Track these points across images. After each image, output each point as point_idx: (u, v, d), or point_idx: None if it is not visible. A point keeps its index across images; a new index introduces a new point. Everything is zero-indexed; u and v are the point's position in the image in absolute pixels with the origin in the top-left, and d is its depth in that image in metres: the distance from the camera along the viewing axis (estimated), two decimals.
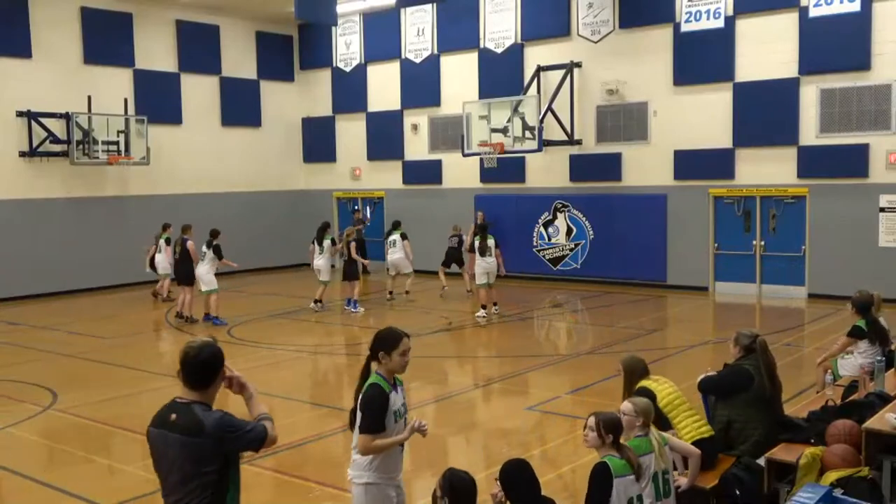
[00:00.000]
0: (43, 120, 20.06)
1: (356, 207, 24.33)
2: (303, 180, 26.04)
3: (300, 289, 19.76)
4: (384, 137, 24.00)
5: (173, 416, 3.84)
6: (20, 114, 19.81)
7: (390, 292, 18.31)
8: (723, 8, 18.09)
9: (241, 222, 22.89)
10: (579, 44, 20.18)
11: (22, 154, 19.91)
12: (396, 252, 18.33)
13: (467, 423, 9.94)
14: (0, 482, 8.03)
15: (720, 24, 18.15)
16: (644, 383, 6.31)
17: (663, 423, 5.98)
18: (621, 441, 5.04)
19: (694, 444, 5.86)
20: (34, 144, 20.02)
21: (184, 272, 16.37)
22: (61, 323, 16.61)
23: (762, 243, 18.21)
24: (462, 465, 4.88)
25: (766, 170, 17.84)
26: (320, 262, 17.56)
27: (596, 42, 19.93)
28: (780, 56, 17.39)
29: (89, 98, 20.64)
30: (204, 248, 16.21)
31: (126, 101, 21.55)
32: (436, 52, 22.76)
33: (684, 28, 18.64)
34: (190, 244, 16.34)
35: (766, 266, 18.25)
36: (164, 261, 18.27)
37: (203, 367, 3.91)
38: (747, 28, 17.89)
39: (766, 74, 17.60)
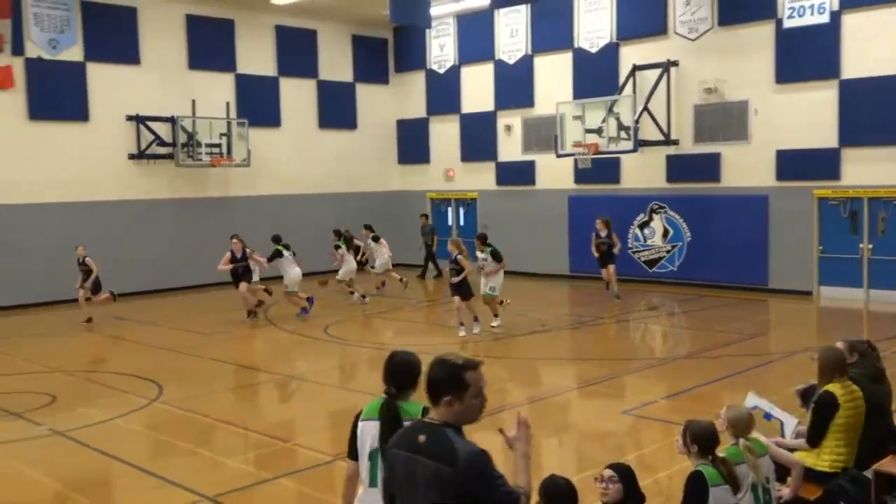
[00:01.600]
0: (150, 124, 20.90)
1: (425, 213, 24.26)
2: (397, 181, 26.33)
3: (395, 289, 19.98)
4: (477, 139, 24.06)
5: (422, 437, 3.46)
6: (130, 118, 20.69)
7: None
8: (828, 3, 17.44)
9: (336, 223, 23.23)
10: (676, 42, 19.79)
11: (131, 156, 20.78)
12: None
13: (561, 425, 9.87)
14: (109, 470, 8.39)
15: (825, 19, 17.50)
16: (832, 387, 5.87)
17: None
18: (717, 451, 4.89)
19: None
20: (142, 147, 20.88)
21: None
22: (166, 318, 17.24)
23: (870, 246, 17.47)
24: (554, 468, 4.85)
25: (875, 170, 17.11)
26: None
27: (693, 40, 19.49)
28: (890, 52, 16.66)
29: (193, 102, 21.37)
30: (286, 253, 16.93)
31: (228, 104, 22.25)
32: (529, 52, 22.68)
33: (787, 24, 18.05)
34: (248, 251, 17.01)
35: (873, 270, 17.50)
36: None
37: (432, 384, 3.52)
38: (854, 23, 17.19)
39: (874, 71, 16.87)
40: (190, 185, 21.81)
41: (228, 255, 16.84)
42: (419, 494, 3.41)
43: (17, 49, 18.94)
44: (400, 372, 4.38)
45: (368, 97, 25.74)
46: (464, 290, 14.35)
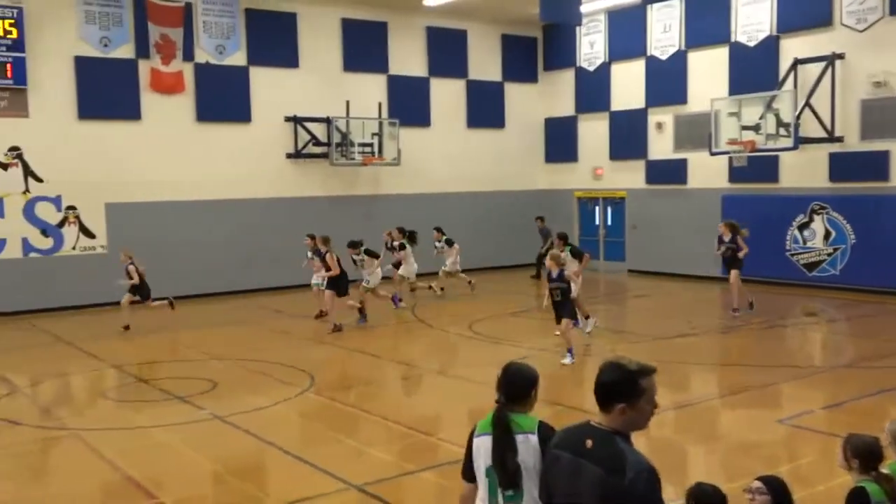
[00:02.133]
0: (307, 124, 21.75)
1: (540, 216, 23.54)
2: (544, 180, 26.23)
3: (542, 286, 19.90)
4: (627, 136, 23.62)
5: (589, 442, 3.35)
6: (288, 119, 21.60)
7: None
8: None
9: (484, 221, 23.49)
10: (842, 34, 18.71)
11: (288, 155, 21.70)
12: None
13: (710, 433, 9.55)
14: (263, 454, 8.79)
15: None
16: None
17: None
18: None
19: None
20: (299, 147, 21.75)
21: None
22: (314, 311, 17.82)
23: None
24: (702, 476, 4.70)
25: None
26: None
27: (861, 31, 18.38)
28: None
29: (347, 103, 22.05)
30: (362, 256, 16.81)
31: (380, 105, 22.82)
32: (683, 47, 22.06)
33: None
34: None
35: None
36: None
37: (606, 389, 3.38)
38: None
39: None
40: (342, 184, 22.53)
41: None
42: (581, 499, 3.32)
43: (188, 55, 20.17)
44: (512, 383, 4.31)
45: (517, 96, 25.77)
46: (569, 310, 12.58)
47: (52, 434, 9.69)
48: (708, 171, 21.32)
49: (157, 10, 19.58)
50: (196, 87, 20.40)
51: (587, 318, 14.51)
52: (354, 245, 16.71)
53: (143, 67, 19.69)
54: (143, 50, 19.61)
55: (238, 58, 20.99)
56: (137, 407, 10.81)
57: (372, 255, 16.99)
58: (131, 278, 16.00)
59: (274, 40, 21.39)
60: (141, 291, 16.10)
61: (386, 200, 23.09)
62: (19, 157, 18.46)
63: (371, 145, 22.36)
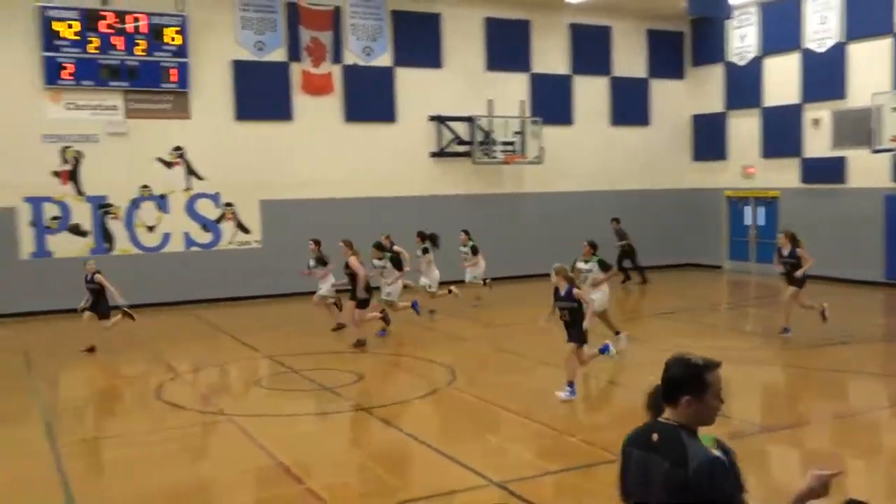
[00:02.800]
0: (450, 123, 22.04)
1: (615, 217, 22.43)
2: (691, 178, 25.50)
3: (687, 288, 19.38)
4: (780, 133, 22.63)
5: (655, 436, 3.45)
6: (432, 118, 21.96)
7: None
8: None
9: (627, 220, 23.05)
10: None
11: (432, 154, 22.05)
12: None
13: (871, 446, 9.03)
14: (406, 447, 8.99)
15: None
16: None
17: None
18: None
19: None
20: (442, 146, 22.07)
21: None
22: (460, 309, 18.00)
23: None
24: (860, 493, 4.47)
25: None
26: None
27: None
28: None
29: (490, 102, 22.18)
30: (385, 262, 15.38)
31: (522, 103, 22.83)
32: (842, 40, 20.92)
33: None
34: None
35: None
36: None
37: (672, 383, 3.47)
38: None
39: None
40: (484, 182, 22.68)
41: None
42: (652, 493, 3.40)
43: (337, 57, 20.85)
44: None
45: (662, 92, 25.18)
46: (577, 334, 10.53)
47: (211, 419, 10.25)
48: (869, 170, 20.14)
49: (309, 14, 20.33)
50: (344, 89, 21.05)
51: (617, 333, 13.02)
52: (381, 248, 15.43)
53: (295, 70, 20.50)
54: (294, 53, 20.42)
55: (384, 59, 21.51)
56: (288, 396, 11.27)
57: (397, 263, 15.47)
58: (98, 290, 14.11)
59: (418, 41, 21.79)
60: (103, 307, 14.18)
61: (528, 199, 23.10)
62: (182, 156, 19.62)
63: (513, 144, 22.42)
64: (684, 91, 25.51)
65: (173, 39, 19.04)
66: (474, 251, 18.50)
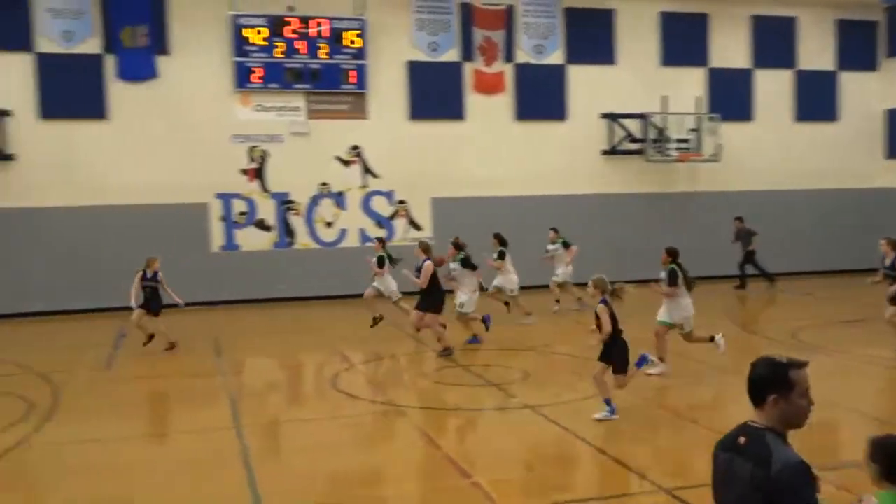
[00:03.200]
0: (622, 121, 21.67)
1: (739, 216, 20.93)
2: (884, 178, 23.82)
3: (871, 295, 18.16)
4: None
5: (742, 439, 3.48)
6: (604, 116, 21.68)
7: None
8: None
9: (809, 221, 21.90)
10: None
11: (603, 152, 21.77)
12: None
13: None
14: (571, 446, 8.92)
15: None
16: None
17: None
18: None
19: None
20: (614, 143, 21.74)
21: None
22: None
23: None
24: None
25: None
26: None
27: None
28: None
29: (664, 98, 21.62)
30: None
31: (698, 99, 22.11)
32: None
33: None
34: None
35: None
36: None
37: (757, 383, 3.47)
38: None
39: None
40: (657, 181, 22.14)
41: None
42: (736, 495, 3.45)
43: (508, 56, 20.97)
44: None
45: (852, 86, 23.67)
46: (612, 353, 9.49)
47: (382, 409, 10.59)
48: None
49: (482, 14, 20.57)
50: (515, 87, 21.15)
51: (660, 360, 11.51)
52: (458, 247, 14.37)
53: (467, 69, 20.80)
54: (467, 53, 20.73)
55: (556, 56, 21.44)
56: (456, 390, 11.47)
57: (470, 265, 14.16)
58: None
59: (591, 38, 21.55)
60: (150, 304, 14.17)
61: (702, 198, 22.34)
62: (359, 154, 20.38)
63: (688, 141, 21.75)
64: (877, 84, 23.86)
65: (353, 42, 19.80)
66: (566, 247, 17.66)
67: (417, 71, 20.49)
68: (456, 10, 20.70)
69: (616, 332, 9.44)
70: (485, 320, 14.29)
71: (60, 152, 18.46)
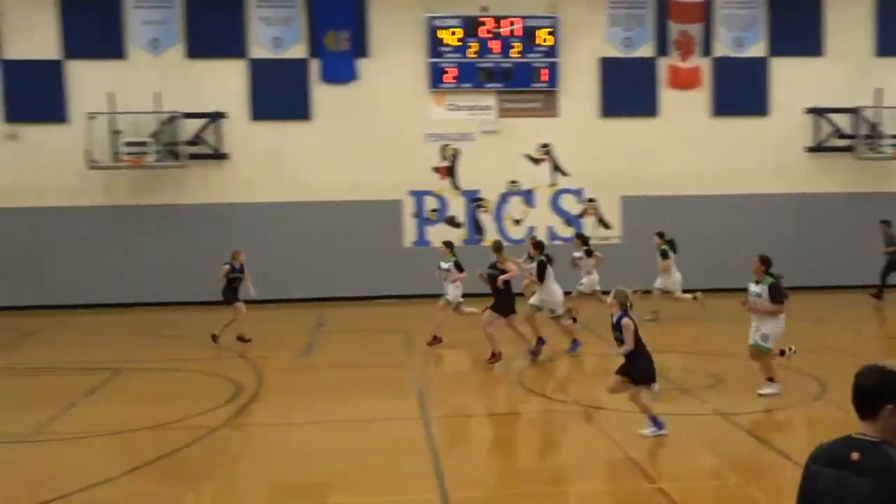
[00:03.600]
0: (830, 116, 20.36)
1: (885, 220, 18.53)
2: None
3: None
4: None
5: (855, 454, 3.22)
6: (809, 110, 20.46)
7: None
8: None
9: None
10: None
11: (808, 149, 20.55)
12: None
13: None
14: (769, 458, 8.52)
15: None
16: None
17: None
18: None
19: None
20: (820, 140, 20.47)
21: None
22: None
23: None
24: None
25: None
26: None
27: None
28: None
29: (878, 91, 20.11)
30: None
31: None
32: None
33: None
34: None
35: None
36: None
37: (868, 393, 3.27)
38: None
39: None
40: (869, 179, 20.59)
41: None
42: None
43: (705, 50, 20.25)
44: None
45: None
46: (634, 368, 9.05)
47: (565, 407, 10.56)
48: None
49: (679, 7, 19.96)
50: (713, 82, 20.39)
51: (770, 380, 10.67)
52: (540, 246, 13.63)
53: (662, 65, 20.27)
54: (662, 48, 20.20)
55: (757, 49, 20.46)
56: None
57: (542, 269, 13.14)
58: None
59: (797, 28, 20.39)
60: (227, 293, 14.69)
61: None
62: (548, 152, 20.38)
63: None
64: None
65: (545, 41, 19.83)
66: (664, 255, 16.54)
67: (610, 67, 20.20)
68: (651, 5, 20.21)
69: (639, 346, 8.98)
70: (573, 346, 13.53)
71: (269, 152, 19.71)
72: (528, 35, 19.82)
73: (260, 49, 19.69)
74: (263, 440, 9.46)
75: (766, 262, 10.60)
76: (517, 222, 20.50)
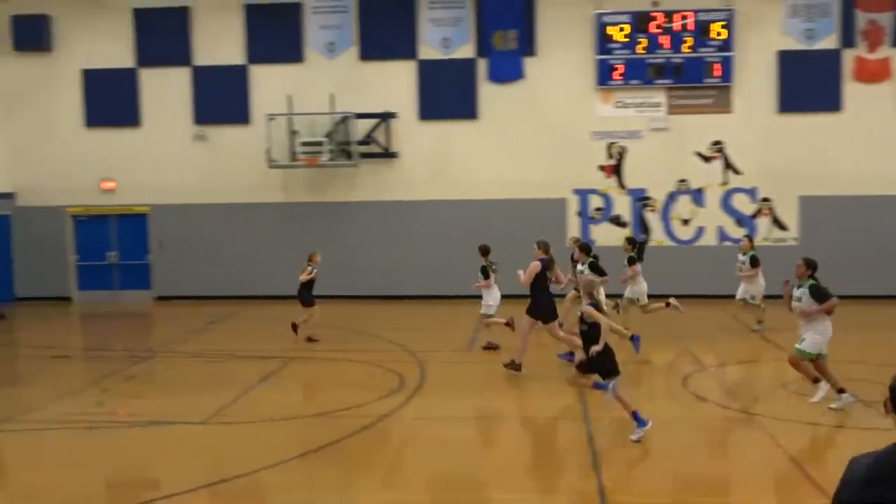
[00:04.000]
0: None
1: None
2: None
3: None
4: None
5: None
6: None
7: None
8: None
9: None
10: None
11: None
12: None
13: None
14: None
15: None
16: None
17: None
18: None
19: None
20: None
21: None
22: None
23: None
24: None
25: None
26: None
27: None
28: None
29: None
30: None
31: None
32: None
33: None
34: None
35: None
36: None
37: None
38: None
39: None
40: None
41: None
42: None
43: None
44: None
45: None
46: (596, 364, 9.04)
47: (734, 415, 10.17)
48: None
49: None
50: None
51: (840, 392, 9.91)
52: (587, 249, 13.52)
53: (847, 57, 19.09)
54: (848, 39, 19.02)
55: None
56: (816, 404, 10.65)
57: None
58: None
59: None
60: (301, 294, 15.11)
61: None
62: (720, 150, 19.65)
63: None
64: None
65: (719, 34, 19.14)
66: (754, 263, 15.31)
67: (789, 60, 19.22)
68: None
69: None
70: (633, 340, 12.89)
71: (436, 151, 20.12)
72: (701, 29, 19.19)
73: (429, 50, 20.11)
74: (426, 432, 9.69)
75: (810, 265, 10.36)
76: (685, 222, 19.89)
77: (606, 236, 19.85)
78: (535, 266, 12.09)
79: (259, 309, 18.96)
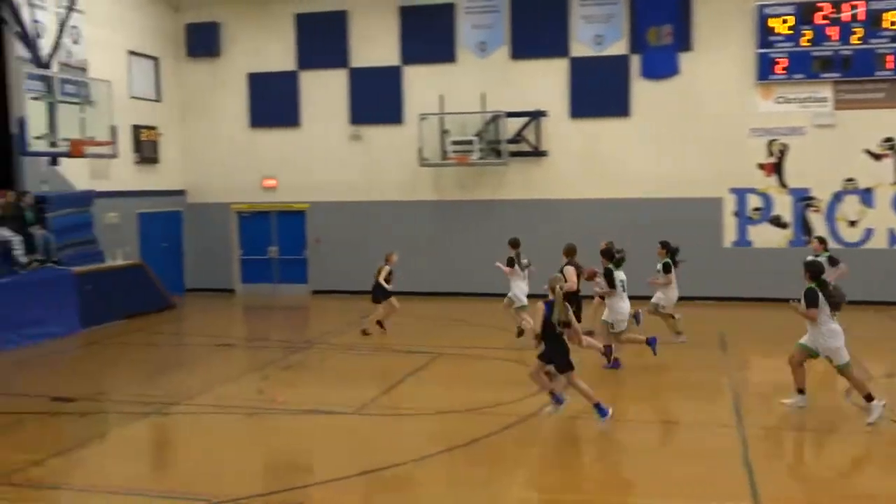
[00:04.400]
0: None
1: None
2: None
3: None
4: None
5: None
6: None
7: None
8: None
9: None
10: None
11: None
12: None
13: None
14: None
15: None
16: None
17: None
18: None
19: None
20: None
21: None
22: None
23: None
24: None
25: None
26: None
27: None
28: None
29: None
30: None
31: None
32: None
33: None
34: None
35: None
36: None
37: None
38: None
39: None
40: None
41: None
42: None
43: None
44: None
45: None
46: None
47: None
48: None
49: None
50: None
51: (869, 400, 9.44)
52: (610, 255, 13.14)
53: None
54: None
55: None
56: None
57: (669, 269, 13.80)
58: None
59: None
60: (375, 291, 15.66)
61: None
62: (893, 147, 18.43)
63: None
64: None
65: (892, 24, 17.96)
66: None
67: None
68: None
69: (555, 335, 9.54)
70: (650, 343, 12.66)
71: (586, 148, 19.89)
72: (873, 19, 18.05)
73: (581, 47, 19.90)
74: (569, 433, 9.62)
75: (808, 270, 10.07)
76: (852, 224, 18.77)
77: (766, 238, 19.06)
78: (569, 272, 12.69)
79: (408, 305, 19.33)
